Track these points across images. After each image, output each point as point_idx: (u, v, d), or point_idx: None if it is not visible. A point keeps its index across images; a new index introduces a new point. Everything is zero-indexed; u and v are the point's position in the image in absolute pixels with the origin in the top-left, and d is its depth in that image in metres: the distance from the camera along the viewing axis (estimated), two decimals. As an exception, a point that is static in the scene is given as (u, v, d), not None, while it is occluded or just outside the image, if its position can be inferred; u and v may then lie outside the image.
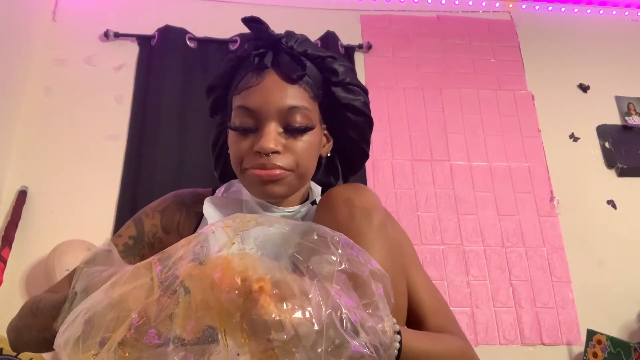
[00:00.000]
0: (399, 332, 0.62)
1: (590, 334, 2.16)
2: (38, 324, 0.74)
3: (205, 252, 0.51)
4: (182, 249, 0.52)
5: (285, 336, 0.47)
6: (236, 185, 0.93)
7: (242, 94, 0.81)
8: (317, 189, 0.95)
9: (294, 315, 0.47)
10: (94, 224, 2.22)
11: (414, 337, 0.67)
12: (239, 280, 0.48)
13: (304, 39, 0.85)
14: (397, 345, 0.61)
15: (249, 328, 0.48)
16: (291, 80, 0.80)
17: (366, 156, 0.95)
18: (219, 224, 0.54)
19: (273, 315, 0.47)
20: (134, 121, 2.43)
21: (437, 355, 0.71)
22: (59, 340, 0.52)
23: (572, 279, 2.42)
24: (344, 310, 0.49)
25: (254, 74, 0.81)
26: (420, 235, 2.42)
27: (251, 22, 0.82)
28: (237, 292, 0.48)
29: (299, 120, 0.80)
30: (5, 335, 1.82)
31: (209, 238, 0.53)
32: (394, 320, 0.62)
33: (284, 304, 0.47)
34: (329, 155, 0.92)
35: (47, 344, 0.74)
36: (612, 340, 2.05)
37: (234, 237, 0.52)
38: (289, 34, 0.84)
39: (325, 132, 0.90)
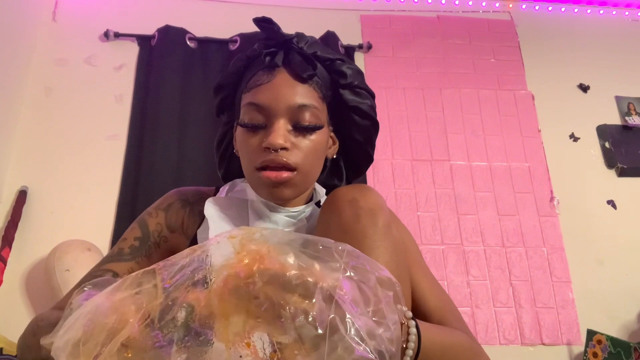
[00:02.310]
0: (413, 319, 0.62)
1: (590, 334, 2.16)
2: (37, 343, 0.72)
3: (209, 262, 0.51)
4: (187, 258, 0.52)
5: (287, 339, 0.47)
6: (240, 184, 0.93)
7: (252, 91, 0.82)
8: (321, 190, 0.96)
9: (298, 319, 0.47)
10: (94, 224, 2.22)
11: (428, 327, 0.67)
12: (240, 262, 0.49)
13: (314, 41, 0.86)
14: (414, 330, 0.61)
15: (251, 330, 0.48)
16: (301, 79, 0.81)
17: (371, 160, 0.95)
18: (225, 235, 0.54)
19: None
20: (134, 121, 2.43)
21: (449, 347, 0.71)
22: (57, 344, 0.51)
23: (572, 279, 2.42)
24: (347, 316, 0.48)
25: (265, 72, 0.82)
26: (420, 235, 2.42)
27: (262, 22, 0.83)
28: (241, 289, 0.48)
29: (308, 118, 0.81)
30: (5, 335, 1.83)
31: (213, 248, 0.53)
32: (405, 308, 0.62)
33: (287, 308, 0.47)
34: (334, 157, 0.93)
35: None
36: (612, 340, 2.05)
37: (239, 248, 0.52)
38: (300, 35, 0.85)
39: (332, 133, 0.90)
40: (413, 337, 0.60)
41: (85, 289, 0.59)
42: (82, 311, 0.52)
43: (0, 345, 1.76)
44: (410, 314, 0.61)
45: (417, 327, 0.61)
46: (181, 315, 0.48)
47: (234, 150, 0.90)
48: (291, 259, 0.50)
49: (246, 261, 0.50)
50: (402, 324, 0.60)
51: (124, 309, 0.49)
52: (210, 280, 0.49)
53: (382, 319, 0.51)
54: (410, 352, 0.60)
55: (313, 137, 0.82)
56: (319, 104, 0.83)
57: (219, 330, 0.48)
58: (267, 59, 0.82)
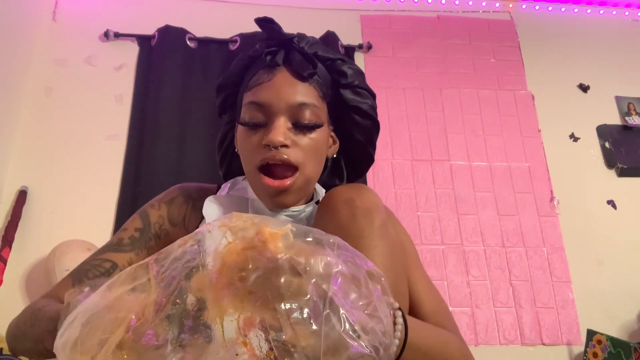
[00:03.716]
0: (399, 308, 0.61)
1: (590, 334, 2.16)
2: (34, 334, 0.72)
3: (202, 252, 0.51)
4: (178, 249, 0.52)
5: (283, 336, 0.47)
6: (241, 183, 0.93)
7: (253, 90, 0.82)
8: (321, 189, 0.96)
9: (293, 316, 0.47)
10: (94, 224, 2.23)
11: (417, 323, 0.68)
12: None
13: (315, 41, 0.87)
14: (401, 328, 0.60)
15: (247, 327, 0.48)
16: (302, 77, 0.81)
17: (371, 160, 0.95)
18: (216, 223, 0.54)
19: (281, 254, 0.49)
20: (134, 121, 2.44)
21: (438, 343, 0.71)
22: (57, 343, 0.52)
23: (572, 279, 2.42)
24: (342, 311, 0.49)
25: (266, 71, 0.82)
26: (420, 235, 2.42)
27: (264, 22, 0.83)
28: (235, 284, 0.48)
29: (308, 117, 0.81)
30: (5, 335, 1.82)
31: (205, 237, 0.53)
32: (397, 304, 0.61)
33: (282, 304, 0.48)
34: (334, 157, 0.93)
35: (42, 356, 0.73)
36: (612, 340, 2.05)
37: (230, 237, 0.52)
38: (301, 35, 0.86)
39: (332, 133, 0.90)
40: (400, 327, 0.60)
41: (86, 289, 0.59)
42: (79, 309, 0.52)
43: (0, 346, 1.76)
44: (397, 304, 0.61)
45: (403, 317, 0.61)
46: (175, 312, 0.48)
47: (235, 150, 0.90)
48: (282, 243, 0.50)
49: (239, 247, 0.50)
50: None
51: (119, 306, 0.50)
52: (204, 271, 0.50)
53: (374, 312, 0.51)
54: (396, 342, 0.59)
55: (313, 135, 0.82)
56: (319, 103, 0.83)
57: (215, 328, 0.48)
58: (268, 57, 0.82)
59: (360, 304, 0.51)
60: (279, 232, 0.51)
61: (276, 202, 0.82)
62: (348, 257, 0.53)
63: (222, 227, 0.53)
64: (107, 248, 0.86)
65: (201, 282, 0.49)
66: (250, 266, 0.49)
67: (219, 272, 0.49)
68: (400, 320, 0.60)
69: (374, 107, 0.91)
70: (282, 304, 0.48)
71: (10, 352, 0.78)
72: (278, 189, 0.80)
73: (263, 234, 0.51)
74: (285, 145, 0.79)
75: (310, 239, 0.53)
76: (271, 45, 0.83)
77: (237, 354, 0.48)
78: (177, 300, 0.48)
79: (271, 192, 0.81)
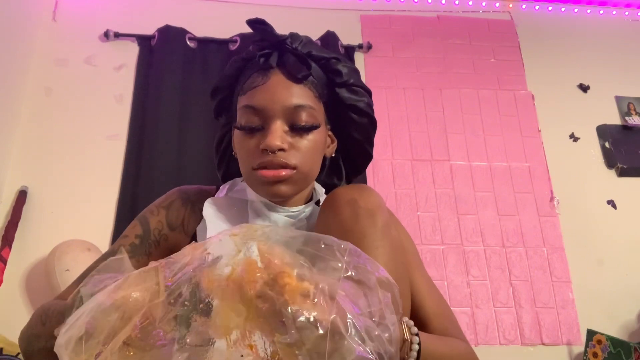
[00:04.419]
0: (417, 335, 0.63)
1: (590, 334, 2.16)
2: (47, 332, 0.72)
3: (212, 259, 0.51)
4: (188, 255, 0.52)
5: (288, 339, 0.47)
6: (240, 184, 0.93)
7: (248, 93, 0.82)
8: (320, 189, 0.96)
9: (299, 319, 0.47)
10: (94, 224, 2.22)
11: (430, 341, 0.68)
12: (260, 275, 0.49)
13: (308, 41, 0.86)
14: (417, 347, 0.61)
15: (253, 329, 0.48)
16: (296, 79, 0.81)
17: (370, 157, 0.95)
18: (227, 232, 0.54)
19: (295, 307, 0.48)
20: (134, 121, 2.43)
21: (450, 358, 0.71)
22: (60, 341, 0.52)
23: (572, 279, 2.42)
24: (348, 316, 0.49)
25: (260, 74, 0.82)
26: (420, 235, 2.42)
27: (256, 23, 0.83)
28: (242, 287, 0.49)
29: (304, 119, 0.81)
30: (5, 335, 1.83)
31: (215, 246, 0.53)
32: (412, 322, 0.62)
33: (289, 307, 0.47)
34: (333, 156, 0.93)
35: None
36: (612, 340, 2.05)
37: (241, 246, 0.52)
38: (294, 35, 0.85)
39: (330, 132, 0.90)
40: (414, 354, 0.61)
41: (95, 275, 0.59)
42: (84, 308, 0.52)
43: (0, 346, 1.76)
44: (415, 329, 0.62)
45: (419, 343, 0.62)
46: (183, 313, 0.48)
47: (233, 152, 0.90)
48: (295, 271, 0.50)
49: (251, 258, 0.50)
50: (405, 340, 0.60)
51: (125, 307, 0.50)
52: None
53: (381, 320, 0.51)
54: None
55: (310, 136, 0.82)
56: (315, 104, 0.83)
57: (221, 329, 0.48)
58: (261, 60, 0.82)
59: (368, 310, 0.51)
60: (302, 287, 0.50)
61: (272, 192, 0.81)
62: (359, 263, 0.53)
63: (232, 236, 0.53)
64: (109, 255, 0.86)
65: (211, 284, 0.49)
66: (259, 272, 0.49)
67: (228, 276, 0.49)
68: (415, 347, 0.61)
69: (370, 105, 0.90)
70: (289, 307, 0.48)
71: (23, 357, 0.78)
72: (273, 177, 0.79)
73: (283, 284, 0.49)
74: (283, 149, 0.79)
75: (322, 246, 0.53)
76: (264, 47, 0.83)
77: (242, 356, 0.48)
78: (186, 302, 0.49)
79: (266, 182, 0.80)
